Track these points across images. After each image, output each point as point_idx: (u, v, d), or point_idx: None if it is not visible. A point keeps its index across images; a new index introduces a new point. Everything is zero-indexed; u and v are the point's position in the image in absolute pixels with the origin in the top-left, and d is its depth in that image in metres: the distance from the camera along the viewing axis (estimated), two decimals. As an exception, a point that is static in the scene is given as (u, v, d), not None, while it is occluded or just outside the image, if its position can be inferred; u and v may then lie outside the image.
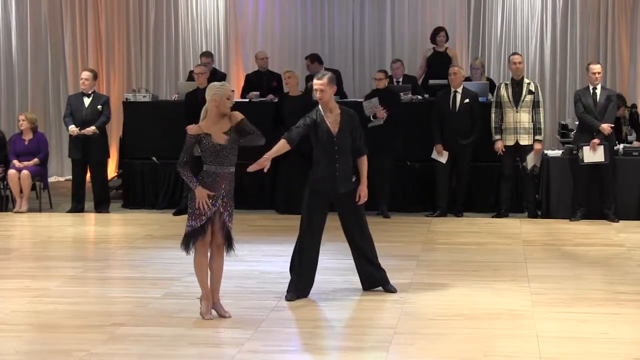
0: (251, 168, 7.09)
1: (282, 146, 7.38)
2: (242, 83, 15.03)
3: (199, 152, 6.94)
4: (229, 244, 6.98)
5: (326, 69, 13.67)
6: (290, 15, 15.62)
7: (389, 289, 7.71)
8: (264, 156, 7.17)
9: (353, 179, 7.50)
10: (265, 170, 7.20)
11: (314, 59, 13.67)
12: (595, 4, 14.82)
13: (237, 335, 6.53)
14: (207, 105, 6.91)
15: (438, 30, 13.82)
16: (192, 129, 6.86)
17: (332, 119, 7.42)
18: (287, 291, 7.53)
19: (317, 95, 7.44)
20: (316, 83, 7.40)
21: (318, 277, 7.66)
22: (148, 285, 8.10)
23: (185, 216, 6.98)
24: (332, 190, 7.44)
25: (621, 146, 11.63)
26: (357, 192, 7.49)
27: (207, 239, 6.88)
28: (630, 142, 12.03)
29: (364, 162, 7.56)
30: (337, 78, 13.48)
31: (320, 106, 7.46)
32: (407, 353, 6.17)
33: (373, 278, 7.74)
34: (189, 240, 6.88)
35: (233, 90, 7.46)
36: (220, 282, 7.03)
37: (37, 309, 7.33)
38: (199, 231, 6.83)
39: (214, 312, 6.98)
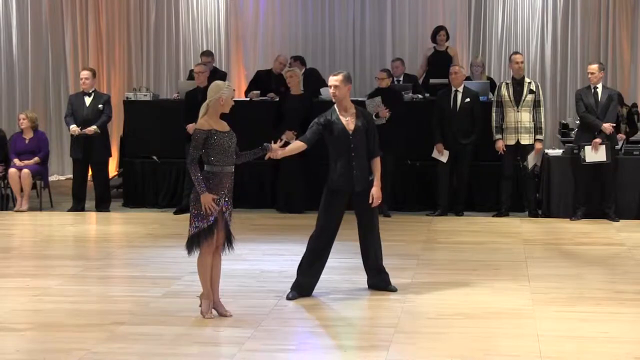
0: (267, 156, 7.20)
1: (298, 146, 7.42)
2: (242, 82, 15.05)
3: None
4: (229, 242, 6.98)
5: (309, 69, 13.68)
6: (290, 14, 15.62)
7: (389, 289, 7.74)
8: (280, 151, 7.21)
9: (370, 178, 7.49)
10: (268, 158, 7.22)
11: (297, 59, 13.70)
12: (595, 3, 14.81)
13: (238, 334, 6.53)
14: (207, 103, 6.85)
15: (438, 30, 13.82)
16: (201, 124, 6.80)
17: (347, 117, 7.42)
18: (290, 289, 7.53)
19: (330, 91, 7.45)
20: (331, 79, 7.42)
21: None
22: (148, 284, 8.10)
23: (187, 215, 6.96)
24: (349, 189, 7.44)
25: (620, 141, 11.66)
26: (370, 193, 7.47)
27: (214, 239, 6.87)
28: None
29: (377, 164, 7.55)
30: (316, 76, 13.55)
31: (335, 105, 7.47)
32: (408, 352, 6.17)
33: (375, 282, 7.76)
34: (194, 241, 6.84)
35: (234, 89, 7.45)
36: (219, 281, 7.03)
37: (38, 307, 7.34)
38: (206, 232, 6.80)
39: (214, 311, 6.98)
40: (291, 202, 11.84)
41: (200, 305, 6.97)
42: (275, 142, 7.22)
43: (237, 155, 6.95)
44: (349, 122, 7.40)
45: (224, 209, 6.85)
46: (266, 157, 7.23)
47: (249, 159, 7.14)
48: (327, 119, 7.42)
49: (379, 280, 7.75)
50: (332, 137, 7.40)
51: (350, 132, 7.39)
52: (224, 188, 6.83)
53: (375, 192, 7.46)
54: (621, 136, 11.91)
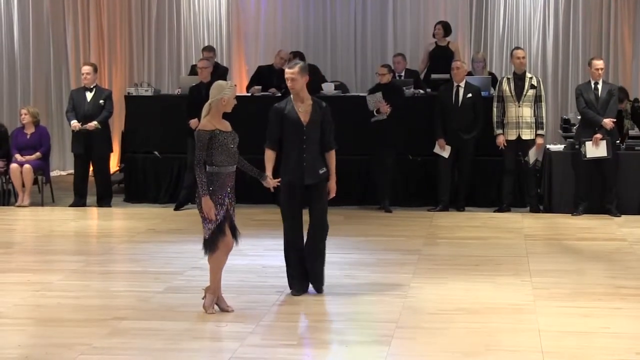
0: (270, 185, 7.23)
1: (270, 156, 7.36)
2: (244, 77, 15.04)
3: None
4: (234, 236, 6.97)
5: (307, 65, 13.58)
6: (292, 9, 15.61)
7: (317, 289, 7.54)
8: (268, 180, 7.20)
9: (321, 171, 7.39)
10: (276, 184, 7.25)
11: (296, 55, 13.63)
12: (597, -3, 14.83)
13: (239, 329, 6.54)
14: (210, 103, 6.85)
15: (435, 24, 13.83)
16: (204, 125, 6.79)
17: (302, 109, 7.33)
18: (291, 287, 7.51)
19: (288, 84, 7.34)
20: (287, 72, 7.31)
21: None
22: (150, 279, 8.11)
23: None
24: (298, 181, 7.34)
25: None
26: (326, 186, 7.41)
27: (229, 237, 6.88)
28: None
29: (332, 157, 7.45)
30: (315, 73, 13.48)
31: (291, 96, 7.38)
32: (409, 347, 6.18)
33: (318, 278, 7.53)
34: (209, 243, 6.84)
35: (235, 85, 7.44)
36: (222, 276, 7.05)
37: (39, 302, 7.35)
38: (217, 232, 6.80)
39: (215, 306, 6.98)
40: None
41: (203, 298, 6.97)
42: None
43: (238, 159, 6.97)
44: (303, 113, 7.31)
45: (228, 206, 6.86)
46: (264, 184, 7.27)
47: (245, 171, 7.12)
48: (280, 109, 7.35)
49: (319, 278, 7.55)
50: (286, 127, 7.31)
51: (305, 123, 7.30)
52: (227, 186, 6.84)
53: (331, 185, 7.40)
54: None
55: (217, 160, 6.78)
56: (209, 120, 6.82)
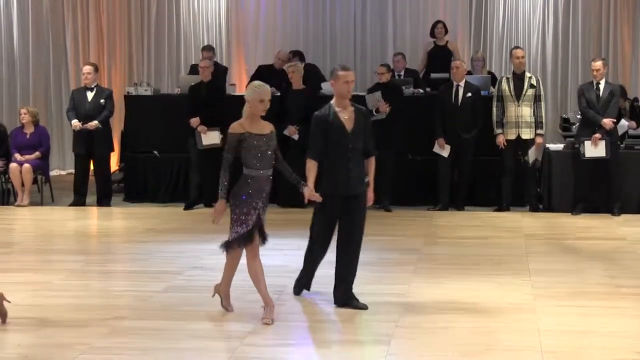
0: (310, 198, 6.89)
1: (313, 167, 6.95)
2: (244, 77, 15.05)
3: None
4: (263, 240, 6.87)
5: (307, 64, 13.62)
6: (291, 8, 15.63)
7: (357, 305, 7.08)
8: (310, 192, 6.83)
9: (366, 179, 7.11)
10: (318, 199, 6.89)
11: (296, 54, 13.64)
12: (597, -3, 14.84)
13: (239, 329, 6.54)
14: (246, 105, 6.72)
15: (436, 23, 13.84)
16: (233, 127, 6.62)
17: (346, 115, 6.97)
18: (300, 287, 7.49)
19: (350, 87, 6.93)
20: (350, 75, 6.91)
21: (320, 271, 7.65)
22: (150, 278, 8.11)
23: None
24: (345, 192, 7.00)
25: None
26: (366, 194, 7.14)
27: (256, 243, 6.74)
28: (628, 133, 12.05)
29: (372, 164, 7.16)
30: (316, 71, 13.50)
31: (333, 101, 7.02)
32: (409, 347, 6.17)
33: (340, 295, 7.18)
34: (232, 245, 6.71)
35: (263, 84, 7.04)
36: (232, 277, 7.01)
37: (39, 302, 7.35)
38: (245, 237, 6.68)
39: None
40: (293, 197, 11.81)
41: (213, 296, 6.98)
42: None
43: (277, 160, 6.77)
44: (348, 120, 6.97)
45: (260, 211, 6.74)
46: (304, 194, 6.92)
47: (284, 175, 6.90)
48: (324, 115, 6.96)
49: (343, 293, 7.18)
50: (329, 135, 6.94)
51: (349, 131, 6.96)
52: (263, 191, 6.72)
53: (369, 193, 7.14)
54: (632, 124, 11.94)
55: (249, 163, 6.62)
56: (242, 122, 6.65)
